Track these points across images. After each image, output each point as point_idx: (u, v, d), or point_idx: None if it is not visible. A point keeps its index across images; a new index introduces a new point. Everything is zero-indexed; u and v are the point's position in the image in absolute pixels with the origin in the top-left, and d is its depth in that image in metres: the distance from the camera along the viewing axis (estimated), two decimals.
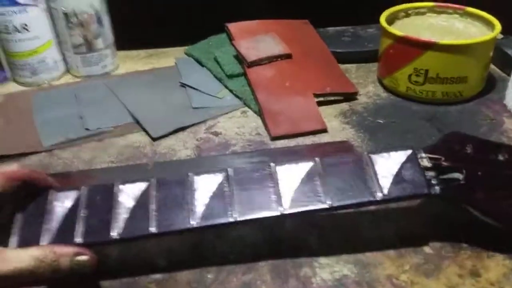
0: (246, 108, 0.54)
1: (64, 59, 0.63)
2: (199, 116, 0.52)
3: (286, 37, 0.61)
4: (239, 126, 0.51)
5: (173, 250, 0.36)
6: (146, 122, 0.50)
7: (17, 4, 0.56)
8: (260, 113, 0.51)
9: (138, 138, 0.50)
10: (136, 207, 0.33)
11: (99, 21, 0.60)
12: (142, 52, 0.70)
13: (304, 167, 0.36)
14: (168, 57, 0.67)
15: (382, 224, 0.38)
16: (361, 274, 0.34)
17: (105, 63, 0.63)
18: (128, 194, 0.34)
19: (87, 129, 0.50)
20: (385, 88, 0.57)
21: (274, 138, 0.48)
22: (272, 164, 0.35)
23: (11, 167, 0.34)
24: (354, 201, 0.34)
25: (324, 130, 0.49)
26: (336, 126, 0.50)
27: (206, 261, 0.35)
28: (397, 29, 0.53)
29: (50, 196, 0.34)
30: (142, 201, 0.33)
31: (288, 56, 0.58)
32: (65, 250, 0.31)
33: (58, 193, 0.34)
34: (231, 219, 0.33)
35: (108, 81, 0.59)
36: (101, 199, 0.34)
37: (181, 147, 0.48)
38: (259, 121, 0.51)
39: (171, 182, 0.34)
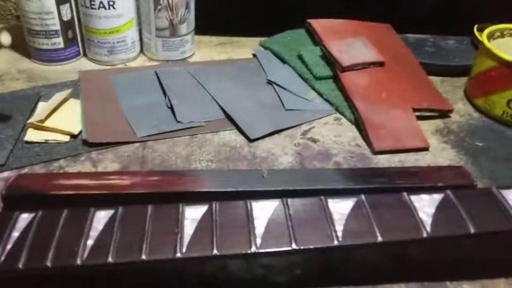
0: (338, 115, 0.52)
1: (141, 40, 0.61)
2: (293, 119, 0.50)
3: (373, 42, 0.59)
4: (335, 134, 0.49)
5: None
6: (242, 122, 0.48)
7: None
8: (357, 123, 0.50)
9: (232, 137, 0.48)
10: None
11: (187, 6, 0.57)
12: (213, 39, 0.67)
13: (436, 197, 0.35)
14: (243, 48, 0.65)
15: None
16: None
17: (184, 49, 0.60)
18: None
19: (179, 121, 0.48)
20: (476, 108, 0.55)
21: (376, 153, 0.46)
22: (404, 194, 0.34)
23: None
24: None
25: (426, 149, 0.48)
26: (435, 144, 0.49)
27: None
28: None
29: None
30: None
31: (381, 64, 0.56)
32: None
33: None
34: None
35: (191, 69, 0.57)
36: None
37: (280, 151, 0.46)
38: (355, 131, 0.50)
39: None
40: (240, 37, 0.68)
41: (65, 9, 0.56)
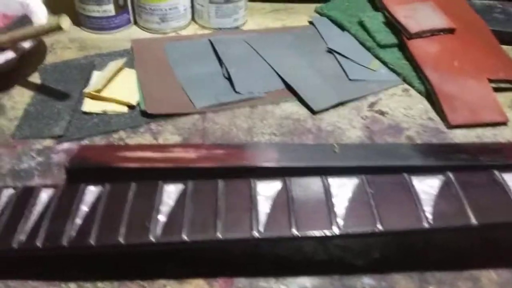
0: (406, 86, 0.48)
1: (192, 7, 0.58)
2: (359, 90, 0.47)
3: (440, 7, 0.55)
4: (405, 106, 0.46)
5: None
6: (305, 93, 0.45)
7: None
8: (428, 94, 0.46)
9: (294, 108, 0.45)
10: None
11: None
12: (266, 5, 0.64)
13: None
14: (297, 14, 0.61)
15: None
16: None
17: (237, 16, 0.58)
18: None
19: (237, 92, 0.46)
20: None
21: (452, 127, 0.43)
22: (495, 172, 0.31)
23: None
24: None
25: (504, 123, 0.44)
26: None
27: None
28: None
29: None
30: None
31: (451, 31, 0.52)
32: None
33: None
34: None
35: (246, 37, 0.54)
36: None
37: (347, 125, 0.43)
38: (426, 103, 0.46)
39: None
40: (294, 4, 0.64)
41: None
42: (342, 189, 0.31)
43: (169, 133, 0.42)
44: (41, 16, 0.49)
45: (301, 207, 0.30)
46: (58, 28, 0.41)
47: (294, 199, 0.30)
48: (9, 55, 0.44)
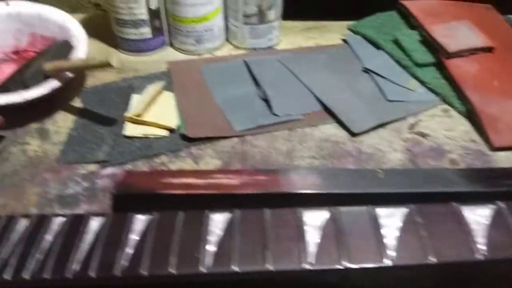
0: (446, 106, 0.48)
1: (226, 28, 0.59)
2: (398, 111, 0.47)
3: (476, 25, 0.54)
4: (446, 128, 0.45)
5: None
6: (343, 115, 0.45)
7: None
8: (469, 115, 0.46)
9: (332, 131, 0.45)
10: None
11: None
12: (297, 24, 0.64)
13: None
14: (329, 32, 0.61)
15: None
16: None
17: (271, 36, 0.58)
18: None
19: (275, 114, 0.46)
20: None
21: (495, 149, 0.42)
22: None
23: None
24: None
25: None
26: None
27: None
28: None
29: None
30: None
31: (489, 50, 0.51)
32: None
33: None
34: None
35: (281, 57, 0.54)
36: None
37: (387, 147, 0.43)
38: (467, 124, 0.46)
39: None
40: (325, 21, 0.64)
41: None
42: (391, 219, 0.31)
43: (209, 157, 0.42)
44: (81, 40, 0.50)
45: (350, 238, 0.30)
46: (107, 65, 0.42)
47: (342, 229, 0.30)
48: (54, 84, 0.45)
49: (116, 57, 0.42)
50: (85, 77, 0.53)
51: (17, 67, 0.49)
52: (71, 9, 0.68)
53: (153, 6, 0.55)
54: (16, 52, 0.51)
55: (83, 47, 0.49)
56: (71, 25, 0.51)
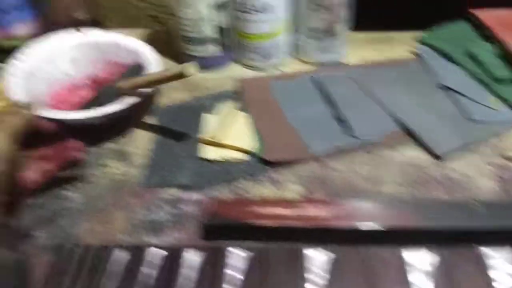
0: None
1: (293, 43, 0.58)
2: (481, 131, 0.45)
3: None
4: None
5: None
6: (425, 136, 0.44)
7: None
8: None
9: (413, 153, 0.44)
10: None
11: (346, 4, 0.53)
12: (361, 35, 0.63)
13: None
14: (397, 44, 0.59)
15: None
16: None
17: (339, 50, 0.57)
18: None
19: (354, 137, 0.45)
20: None
21: None
22: None
23: None
24: None
25: None
26: None
27: None
28: None
29: None
30: None
31: None
32: None
33: None
34: None
35: (351, 74, 0.53)
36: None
37: (474, 173, 0.41)
38: None
39: None
40: (389, 32, 0.62)
41: (221, 15, 0.54)
42: (498, 261, 0.29)
43: (290, 182, 0.42)
44: (152, 61, 0.50)
45: (459, 281, 0.29)
46: (181, 76, 0.42)
47: (450, 272, 0.29)
48: (131, 100, 0.46)
49: (191, 66, 0.42)
50: (158, 95, 0.53)
51: (93, 92, 0.50)
52: (128, 20, 0.68)
53: (221, 23, 0.55)
54: (92, 79, 0.53)
55: (156, 68, 0.49)
56: (142, 49, 0.51)
